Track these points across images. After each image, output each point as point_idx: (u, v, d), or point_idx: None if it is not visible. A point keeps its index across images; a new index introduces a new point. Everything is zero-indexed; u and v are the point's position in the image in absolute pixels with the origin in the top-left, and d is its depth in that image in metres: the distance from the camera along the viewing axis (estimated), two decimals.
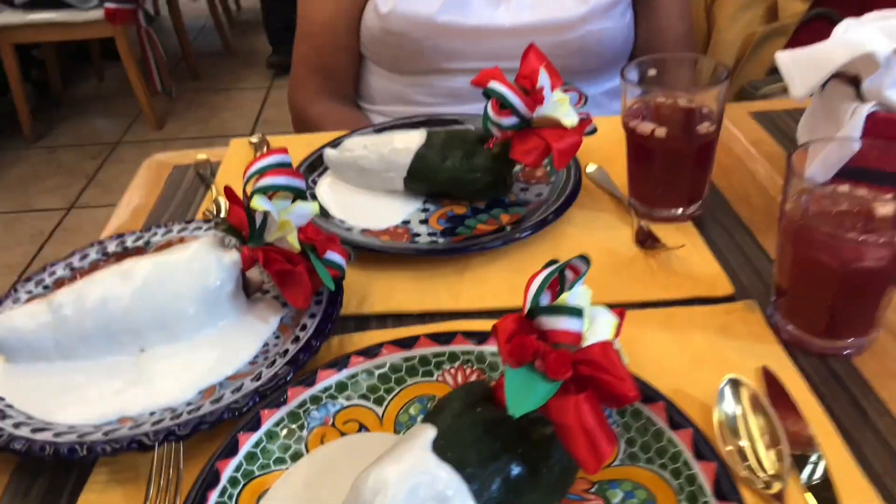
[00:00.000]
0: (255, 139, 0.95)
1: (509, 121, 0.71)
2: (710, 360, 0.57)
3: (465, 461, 0.42)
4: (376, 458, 0.43)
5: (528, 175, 0.81)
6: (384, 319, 0.65)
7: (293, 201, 0.62)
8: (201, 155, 0.95)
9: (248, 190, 0.62)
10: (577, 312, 0.42)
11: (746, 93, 1.24)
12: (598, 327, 0.45)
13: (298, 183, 0.62)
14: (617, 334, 0.45)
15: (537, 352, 0.42)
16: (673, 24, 1.09)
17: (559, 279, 0.47)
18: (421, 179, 0.77)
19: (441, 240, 0.73)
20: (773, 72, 1.28)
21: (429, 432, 0.43)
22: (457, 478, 0.41)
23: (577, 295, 0.45)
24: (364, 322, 0.65)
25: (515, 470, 0.43)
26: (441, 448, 0.42)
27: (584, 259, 0.47)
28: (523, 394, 0.41)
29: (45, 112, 3.16)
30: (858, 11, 0.70)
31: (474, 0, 1.00)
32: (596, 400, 0.41)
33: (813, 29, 1.23)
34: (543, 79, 0.72)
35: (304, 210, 0.62)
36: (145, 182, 0.91)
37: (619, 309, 0.48)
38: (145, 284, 0.59)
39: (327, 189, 0.81)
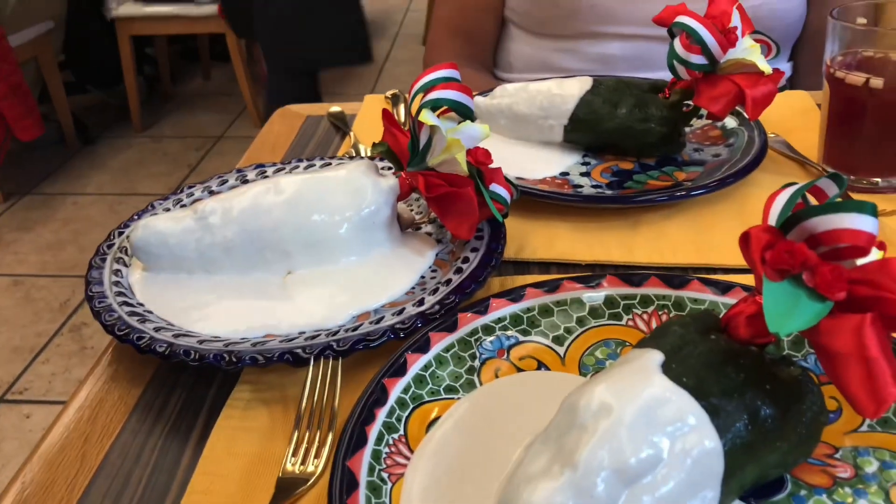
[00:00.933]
0: (389, 94, 0.90)
1: (698, 59, 0.63)
2: None
3: (705, 390, 0.34)
4: (573, 389, 0.36)
5: (701, 136, 0.73)
6: (547, 267, 0.58)
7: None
8: (335, 107, 0.90)
9: (415, 107, 0.56)
10: (869, 208, 0.33)
11: None
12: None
13: (468, 100, 0.56)
14: None
15: (806, 262, 0.34)
16: None
17: (804, 201, 0.39)
18: (584, 129, 0.70)
19: (608, 192, 0.65)
20: None
21: (654, 355, 0.35)
22: (697, 406, 0.33)
23: None
24: (524, 268, 0.58)
25: (764, 410, 0.34)
26: (674, 373, 0.34)
27: (838, 178, 0.38)
28: (787, 311, 0.33)
29: (154, 105, 3.25)
30: None
31: None
32: (882, 326, 0.33)
33: None
34: (735, 20, 0.64)
35: (474, 131, 0.55)
36: (279, 129, 0.87)
37: (880, 242, 0.39)
38: (296, 198, 0.54)
39: None
